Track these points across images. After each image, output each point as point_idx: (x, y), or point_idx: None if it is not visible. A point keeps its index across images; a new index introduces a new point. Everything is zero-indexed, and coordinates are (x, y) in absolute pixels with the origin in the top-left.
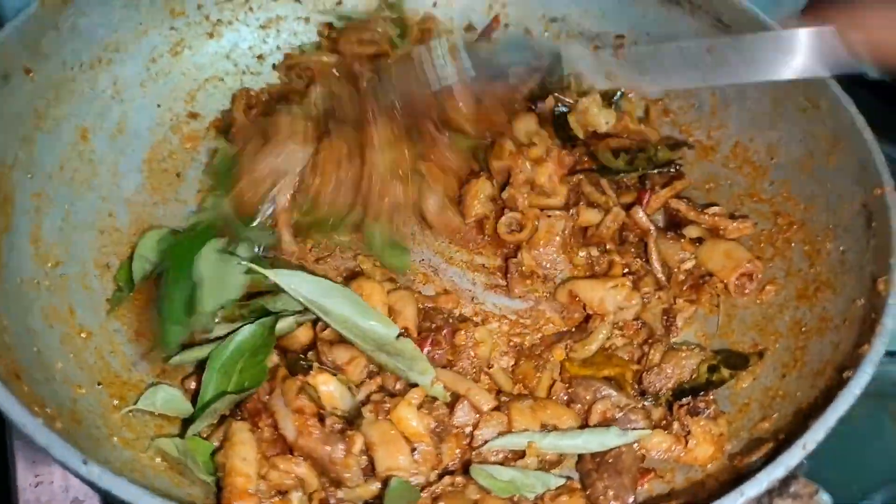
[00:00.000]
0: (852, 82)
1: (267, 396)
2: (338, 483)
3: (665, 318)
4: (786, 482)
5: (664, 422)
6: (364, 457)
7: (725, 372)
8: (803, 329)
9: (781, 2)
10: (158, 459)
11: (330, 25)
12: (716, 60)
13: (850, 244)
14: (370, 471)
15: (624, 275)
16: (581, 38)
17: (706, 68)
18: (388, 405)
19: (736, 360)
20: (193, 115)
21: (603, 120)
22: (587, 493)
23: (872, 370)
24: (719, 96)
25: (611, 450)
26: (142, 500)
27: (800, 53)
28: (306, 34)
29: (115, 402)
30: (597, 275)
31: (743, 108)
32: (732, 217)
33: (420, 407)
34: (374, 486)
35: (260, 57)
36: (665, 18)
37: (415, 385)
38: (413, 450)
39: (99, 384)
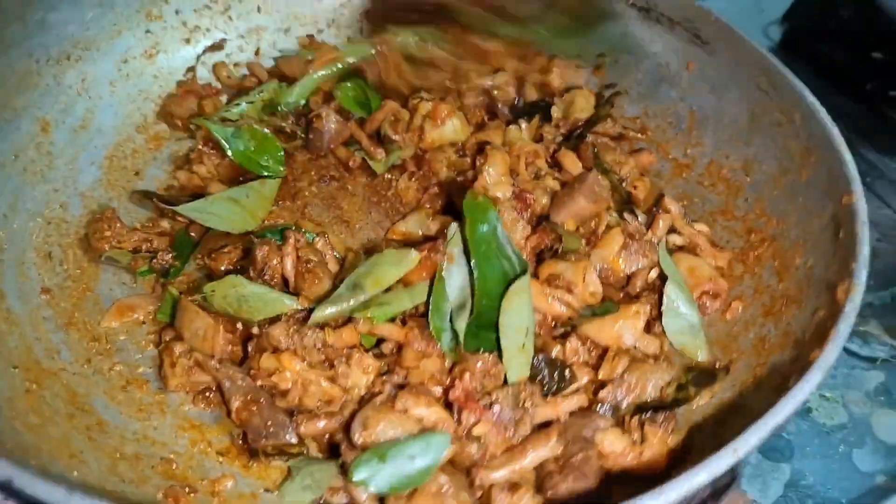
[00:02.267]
0: (833, 90)
1: None
2: None
3: None
4: (718, 493)
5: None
6: None
7: (692, 390)
8: (766, 346)
9: (763, 9)
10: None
11: (311, 37)
12: None
13: (818, 258)
14: None
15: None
16: (563, 55)
17: None
18: None
19: (705, 378)
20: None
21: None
22: (548, 495)
23: (821, 377)
24: (698, 114)
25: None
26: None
27: None
28: (286, 43)
29: (29, 385)
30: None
31: (720, 125)
32: (714, 244)
33: None
34: None
35: (236, 65)
36: (645, 36)
37: None
38: None
39: (14, 367)
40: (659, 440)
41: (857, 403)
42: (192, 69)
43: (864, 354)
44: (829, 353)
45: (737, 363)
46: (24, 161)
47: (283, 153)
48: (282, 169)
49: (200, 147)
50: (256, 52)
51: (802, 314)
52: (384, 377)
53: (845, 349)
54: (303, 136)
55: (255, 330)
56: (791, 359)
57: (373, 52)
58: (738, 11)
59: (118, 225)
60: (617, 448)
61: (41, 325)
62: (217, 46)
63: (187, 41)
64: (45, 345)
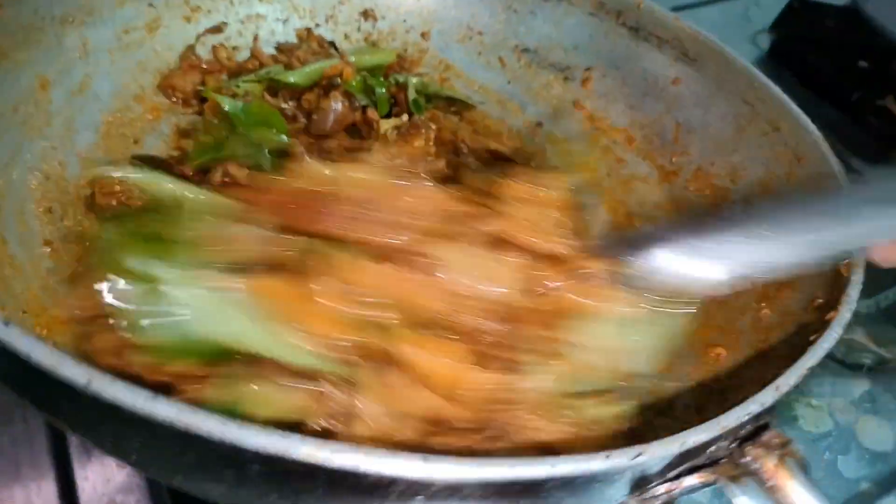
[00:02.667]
0: (820, 99)
1: None
2: None
3: None
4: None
5: None
6: None
7: None
8: (763, 325)
9: (751, 18)
10: None
11: (309, 30)
12: None
13: None
14: None
15: None
16: (551, 68)
17: None
18: None
19: None
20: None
21: None
22: None
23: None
24: (683, 125)
25: None
26: (62, 366)
27: None
28: (284, 36)
29: (41, 330)
30: None
31: (706, 135)
32: None
33: None
34: None
35: (235, 48)
36: (633, 52)
37: None
38: None
39: (24, 312)
40: None
41: (843, 411)
42: (191, 47)
43: (849, 362)
44: (844, 312)
45: (732, 346)
46: (23, 114)
47: (288, 130)
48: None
49: (209, 118)
50: (255, 39)
51: (799, 297)
52: None
53: (831, 357)
54: (304, 119)
55: None
56: (793, 333)
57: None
58: (726, 20)
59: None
60: None
61: (46, 275)
62: (216, 29)
63: (188, 20)
64: (50, 294)
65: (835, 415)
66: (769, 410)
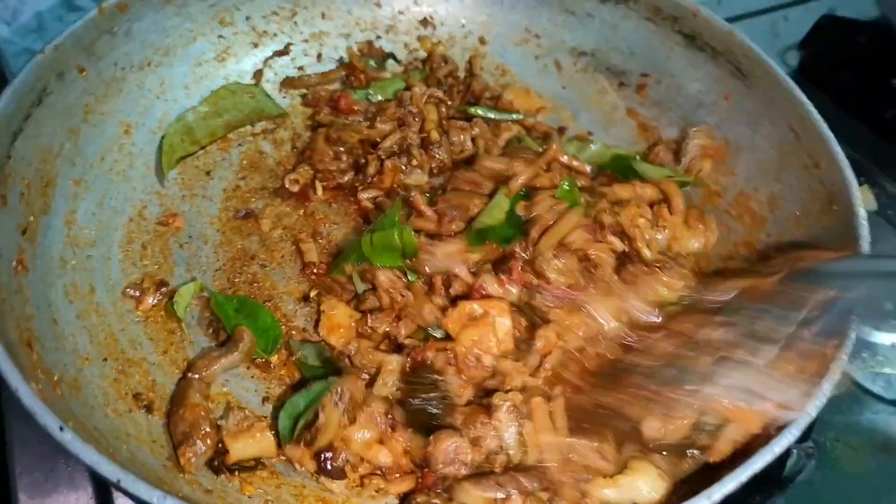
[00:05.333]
0: (851, 118)
1: None
2: None
3: None
4: None
5: None
6: None
7: None
8: None
9: (780, 34)
10: (143, 430)
11: (370, 43)
12: None
13: None
14: None
15: None
16: (608, 73)
17: None
18: None
19: None
20: None
21: None
22: None
23: (800, 431)
24: (732, 143)
25: None
26: (102, 467)
27: None
28: (345, 50)
29: (117, 376)
30: None
31: (753, 157)
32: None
33: None
34: None
35: (300, 69)
36: (689, 61)
37: None
38: None
39: (105, 359)
40: None
41: (884, 450)
42: (259, 72)
43: (888, 399)
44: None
45: None
46: (109, 162)
47: None
48: None
49: None
50: (318, 57)
51: None
52: None
53: (868, 392)
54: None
55: None
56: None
57: None
58: (753, 37)
59: None
60: None
61: (125, 316)
62: (283, 51)
63: (255, 45)
64: (128, 336)
65: (876, 455)
66: None
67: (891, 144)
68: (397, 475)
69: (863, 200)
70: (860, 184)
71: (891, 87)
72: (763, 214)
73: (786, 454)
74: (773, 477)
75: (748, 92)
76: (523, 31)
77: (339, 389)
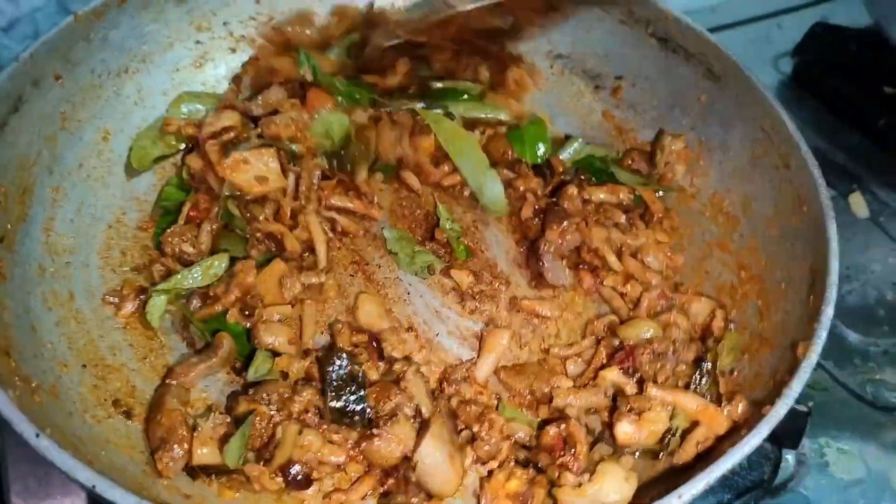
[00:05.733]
0: (844, 125)
1: None
2: None
3: None
4: None
5: None
6: None
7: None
8: (738, 381)
9: (773, 40)
10: (122, 436)
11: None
12: None
13: (794, 306)
14: None
15: None
16: (584, 76)
17: None
18: None
19: None
20: None
21: None
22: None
23: (768, 431)
24: (705, 144)
25: None
26: (77, 473)
27: None
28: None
29: (96, 382)
30: None
31: (725, 157)
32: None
33: None
34: None
35: None
36: (663, 64)
37: None
38: None
39: (84, 366)
40: None
41: (875, 456)
42: (237, 77)
43: (880, 405)
44: (780, 408)
45: None
46: (87, 169)
47: None
48: None
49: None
50: None
51: (773, 359)
52: None
53: (861, 398)
54: None
55: None
56: (757, 400)
57: None
58: (747, 43)
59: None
60: None
61: (105, 323)
62: None
63: (233, 50)
64: (107, 342)
65: (867, 460)
66: None
67: (883, 151)
68: (354, 481)
69: (855, 207)
70: (852, 190)
71: (883, 94)
72: (736, 214)
73: (777, 460)
74: (765, 483)
75: (720, 93)
76: None
77: (263, 395)
